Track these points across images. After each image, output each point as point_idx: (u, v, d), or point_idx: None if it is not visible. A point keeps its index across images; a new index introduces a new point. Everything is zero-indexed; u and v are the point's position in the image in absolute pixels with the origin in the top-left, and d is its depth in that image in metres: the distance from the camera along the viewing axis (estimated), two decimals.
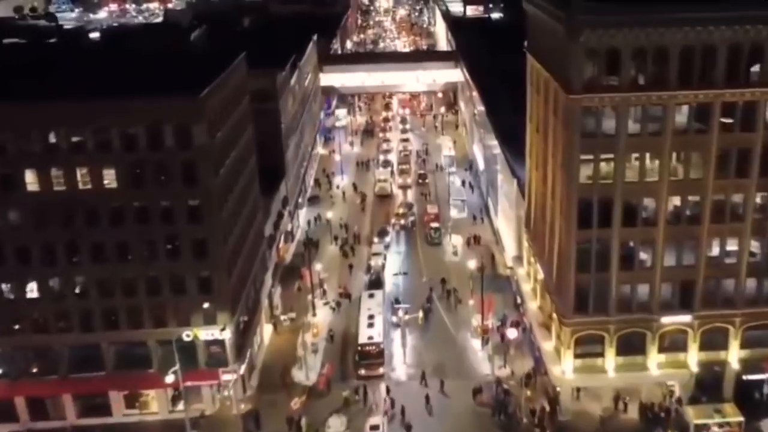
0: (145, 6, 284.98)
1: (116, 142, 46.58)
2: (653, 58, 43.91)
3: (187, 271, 49.77)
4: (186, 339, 50.29)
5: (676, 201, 47.35)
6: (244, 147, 58.72)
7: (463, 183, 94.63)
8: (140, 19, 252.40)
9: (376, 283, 67.63)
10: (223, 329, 50.08)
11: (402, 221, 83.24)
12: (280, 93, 76.26)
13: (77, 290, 50.20)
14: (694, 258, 48.34)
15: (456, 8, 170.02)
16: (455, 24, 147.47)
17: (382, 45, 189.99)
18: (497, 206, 79.27)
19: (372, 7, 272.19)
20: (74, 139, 46.82)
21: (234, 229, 53.27)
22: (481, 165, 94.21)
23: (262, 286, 62.82)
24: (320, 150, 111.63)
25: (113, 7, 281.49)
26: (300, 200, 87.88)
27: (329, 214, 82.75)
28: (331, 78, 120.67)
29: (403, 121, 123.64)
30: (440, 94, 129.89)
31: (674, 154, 46.10)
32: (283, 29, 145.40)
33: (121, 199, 47.70)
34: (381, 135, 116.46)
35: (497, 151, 78.05)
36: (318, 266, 70.03)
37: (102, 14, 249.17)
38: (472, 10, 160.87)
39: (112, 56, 70.35)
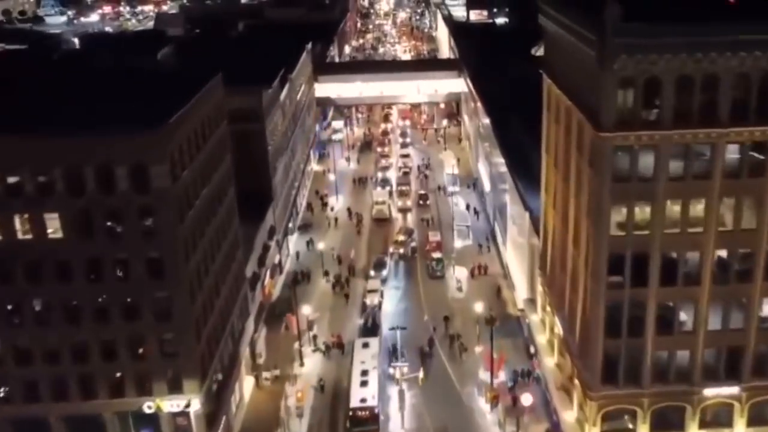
0: (139, 8, 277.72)
1: (60, 185, 39.32)
2: (701, 89, 36.63)
3: (147, 332, 42.54)
4: (147, 411, 43.18)
5: (724, 254, 40.16)
6: (220, 180, 51.44)
7: (468, 207, 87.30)
8: (133, 22, 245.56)
9: (371, 329, 60.39)
10: (187, 406, 42.83)
11: (401, 250, 76.00)
12: (266, 112, 69.03)
13: (19, 356, 42.95)
14: (743, 320, 41.16)
15: (459, 13, 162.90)
16: (458, 30, 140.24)
17: (381, 50, 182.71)
18: (505, 233, 71.93)
19: (372, 10, 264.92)
20: (10, 180, 39.59)
21: (205, 281, 45.96)
22: (486, 184, 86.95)
23: (242, 335, 55.54)
24: (314, 166, 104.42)
25: (107, 9, 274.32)
26: (290, 225, 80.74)
27: (321, 245, 75.27)
28: (327, 88, 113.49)
29: (403, 134, 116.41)
30: (442, 105, 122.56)
31: (723, 201, 38.93)
32: (278, 35, 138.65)
33: (68, 251, 40.47)
34: (379, 149, 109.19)
35: (504, 169, 70.98)
36: (307, 309, 62.63)
37: (93, 17, 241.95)
38: (475, 15, 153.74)
39: (68, 76, 62.74)
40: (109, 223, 40.35)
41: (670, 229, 39.03)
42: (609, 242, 39.05)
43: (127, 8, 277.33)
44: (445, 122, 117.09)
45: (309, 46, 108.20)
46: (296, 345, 58.85)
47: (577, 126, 42.86)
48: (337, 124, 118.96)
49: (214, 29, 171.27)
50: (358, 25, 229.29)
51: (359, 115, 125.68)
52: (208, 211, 47.64)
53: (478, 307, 60.12)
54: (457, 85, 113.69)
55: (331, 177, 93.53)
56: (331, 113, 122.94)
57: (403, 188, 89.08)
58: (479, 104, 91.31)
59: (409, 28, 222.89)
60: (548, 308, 53.13)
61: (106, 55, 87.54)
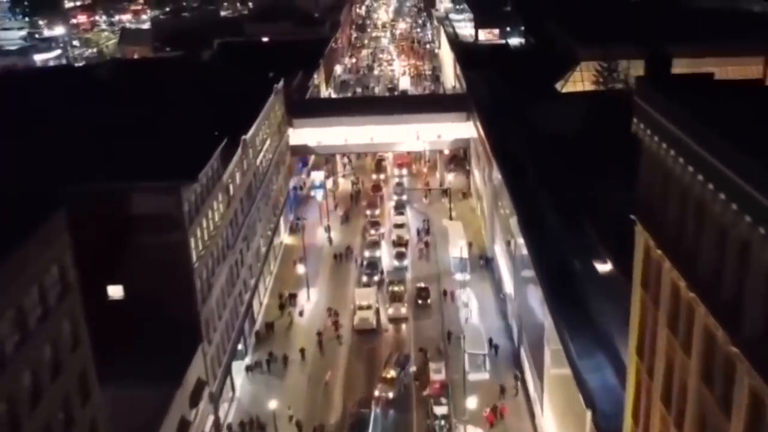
0: (117, 18, 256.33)
1: None
2: None
3: None
4: None
5: None
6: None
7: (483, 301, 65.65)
8: (107, 34, 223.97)
9: None
10: None
11: (390, 393, 54.26)
12: (192, 213, 47.33)
13: None
14: None
15: (465, 31, 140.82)
16: (465, 54, 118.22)
17: (377, 72, 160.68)
18: (541, 369, 50.07)
19: (369, 21, 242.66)
20: None
21: None
22: (507, 283, 65.26)
23: None
24: (285, 238, 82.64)
25: (82, 18, 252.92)
26: (241, 347, 59.21)
27: (273, 404, 52.04)
28: (304, 135, 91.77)
29: (399, 188, 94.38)
30: (447, 150, 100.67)
31: None
32: (255, 57, 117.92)
33: None
34: (368, 212, 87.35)
35: (532, 273, 49.73)
36: None
37: (58, 30, 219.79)
38: (485, 35, 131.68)
39: None
40: None
41: None
42: None
43: (104, 18, 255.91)
44: (450, 177, 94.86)
45: (280, 84, 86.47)
46: None
47: (702, 332, 21.25)
48: (317, 175, 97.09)
49: (184, 47, 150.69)
50: (353, 37, 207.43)
51: (346, 162, 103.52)
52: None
53: None
54: (466, 130, 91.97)
55: (300, 270, 71.21)
56: (311, 160, 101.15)
57: (396, 289, 66.98)
58: (496, 173, 69.58)
59: (409, 41, 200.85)
60: None
61: None
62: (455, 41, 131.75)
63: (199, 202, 48.68)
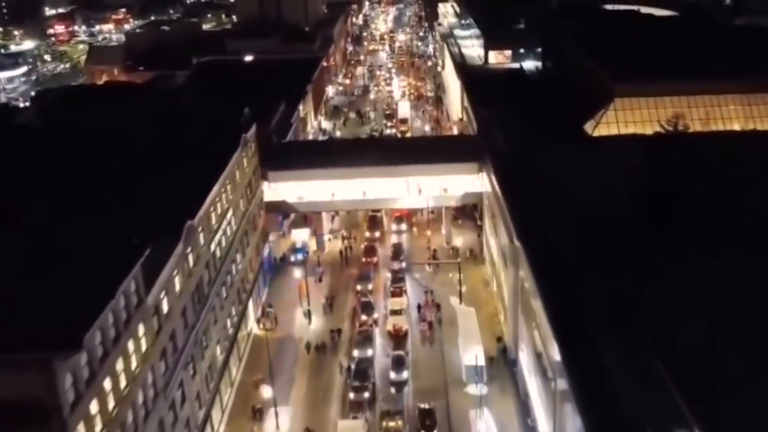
0: (98, 28, 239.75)
1: None
2: None
3: None
4: None
5: None
6: None
7: None
8: (83, 47, 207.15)
9: None
10: None
11: None
12: (80, 387, 31.10)
13: None
14: None
15: (472, 51, 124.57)
16: (474, 82, 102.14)
17: (373, 95, 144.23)
18: None
19: (366, 32, 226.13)
20: None
21: None
22: (538, 409, 49.19)
23: None
24: (254, 328, 66.33)
25: (59, 28, 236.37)
26: None
27: None
28: (282, 190, 75.72)
29: (397, 252, 77.96)
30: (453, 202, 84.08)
31: None
32: (231, 83, 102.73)
33: None
34: (359, 287, 71.13)
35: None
36: None
37: (27, 44, 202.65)
38: (496, 57, 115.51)
39: None
40: None
41: None
42: None
43: (83, 27, 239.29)
44: (459, 242, 78.10)
45: (251, 131, 70.40)
46: None
47: None
48: (300, 234, 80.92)
49: (160, 66, 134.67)
50: (349, 51, 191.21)
51: (333, 215, 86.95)
52: None
53: None
54: (477, 182, 76.01)
55: (266, 393, 54.67)
56: (290, 219, 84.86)
57: (392, 424, 50.64)
58: (522, 255, 53.62)
59: (408, 56, 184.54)
60: None
61: None
62: (461, 64, 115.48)
63: (96, 365, 32.43)
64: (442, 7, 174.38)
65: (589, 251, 51.40)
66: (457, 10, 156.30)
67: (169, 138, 61.51)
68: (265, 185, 74.90)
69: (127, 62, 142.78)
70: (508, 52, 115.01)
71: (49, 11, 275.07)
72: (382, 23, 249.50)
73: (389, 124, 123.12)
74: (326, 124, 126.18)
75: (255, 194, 70.89)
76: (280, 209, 77.85)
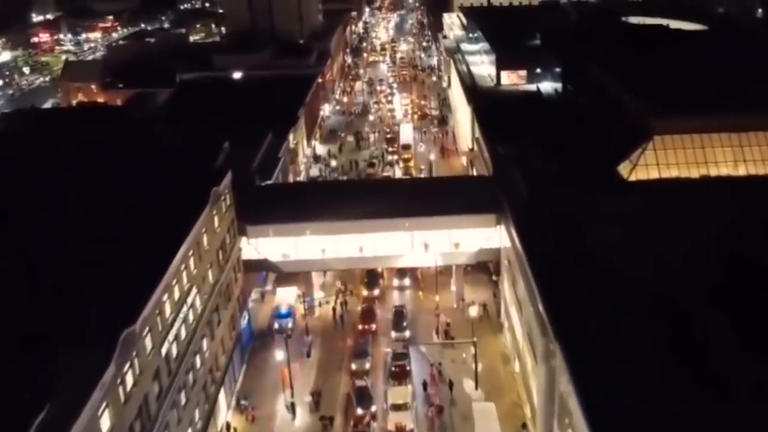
0: (84, 36, 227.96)
1: None
2: None
3: None
4: None
5: None
6: None
7: None
8: (65, 57, 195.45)
9: None
10: None
11: None
12: None
13: None
14: None
15: (482, 69, 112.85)
16: (485, 108, 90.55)
17: (372, 116, 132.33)
18: None
19: (365, 42, 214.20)
20: None
21: None
22: None
23: None
24: (229, 418, 54.49)
25: (44, 37, 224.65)
26: None
27: None
28: (264, 246, 64.05)
29: (399, 319, 66.11)
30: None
31: None
32: (215, 105, 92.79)
33: None
34: (354, 368, 59.39)
35: None
36: None
37: (4, 56, 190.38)
38: (509, 77, 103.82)
39: None
40: None
41: None
42: None
43: (69, 36, 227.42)
44: (474, 311, 65.73)
45: (224, 183, 58.77)
46: None
47: None
48: (287, 294, 69.19)
49: (141, 83, 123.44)
50: (348, 63, 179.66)
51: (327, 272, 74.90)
52: None
53: None
54: (495, 237, 64.38)
55: None
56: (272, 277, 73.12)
57: None
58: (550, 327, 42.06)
59: (411, 68, 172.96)
60: None
61: None
62: (471, 87, 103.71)
63: None
64: (447, 18, 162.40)
65: (647, 355, 39.93)
66: (464, 21, 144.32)
67: (119, 196, 50.06)
68: (243, 241, 63.27)
69: (106, 79, 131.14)
70: (523, 72, 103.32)
71: (36, 17, 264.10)
72: (383, 31, 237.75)
73: (390, 149, 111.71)
74: (321, 149, 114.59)
75: (230, 256, 59.20)
76: (261, 269, 66.15)
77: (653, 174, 68.00)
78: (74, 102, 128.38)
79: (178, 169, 56.68)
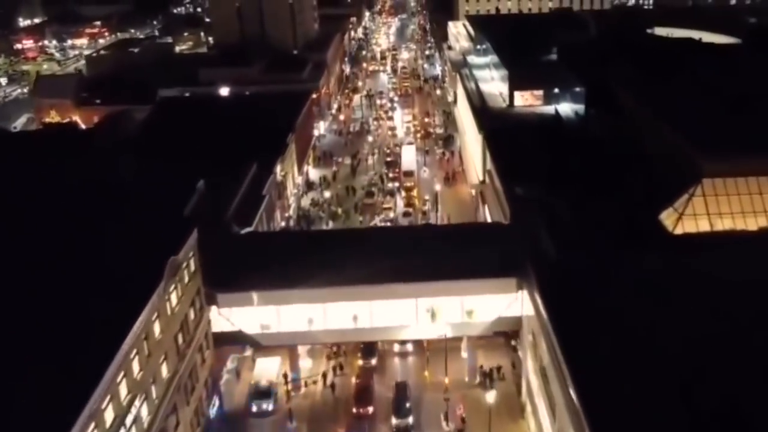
0: (70, 42, 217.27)
1: None
2: None
3: None
4: None
5: None
6: None
7: None
8: (47, 66, 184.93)
9: None
10: None
11: None
12: None
13: None
14: None
15: (492, 86, 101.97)
16: (499, 133, 79.73)
17: (371, 137, 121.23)
18: None
19: (365, 50, 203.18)
20: None
21: None
22: None
23: None
24: None
25: (27, 43, 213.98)
26: None
27: None
28: (238, 317, 53.22)
29: (400, 401, 55.04)
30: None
31: None
32: (196, 127, 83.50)
33: None
34: None
35: None
36: None
37: None
38: (523, 98, 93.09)
39: None
40: None
41: None
42: None
43: (54, 42, 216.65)
44: (491, 391, 54.87)
45: (188, 245, 48.04)
46: None
47: None
48: (267, 367, 58.40)
49: (120, 100, 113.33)
50: (346, 72, 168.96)
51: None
52: None
53: None
54: (515, 304, 53.62)
55: None
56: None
57: None
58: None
59: (413, 78, 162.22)
60: None
61: None
62: (481, 108, 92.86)
63: None
64: (452, 27, 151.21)
65: None
66: (471, 31, 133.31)
67: (41, 275, 39.48)
68: (213, 311, 52.55)
69: (82, 94, 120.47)
70: (539, 92, 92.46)
71: (23, 22, 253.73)
72: (383, 37, 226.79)
73: (391, 174, 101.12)
74: (314, 174, 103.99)
75: (194, 336, 48.45)
76: (235, 342, 55.29)
77: (703, 225, 57.27)
78: (47, 120, 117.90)
79: (131, 227, 46.41)
